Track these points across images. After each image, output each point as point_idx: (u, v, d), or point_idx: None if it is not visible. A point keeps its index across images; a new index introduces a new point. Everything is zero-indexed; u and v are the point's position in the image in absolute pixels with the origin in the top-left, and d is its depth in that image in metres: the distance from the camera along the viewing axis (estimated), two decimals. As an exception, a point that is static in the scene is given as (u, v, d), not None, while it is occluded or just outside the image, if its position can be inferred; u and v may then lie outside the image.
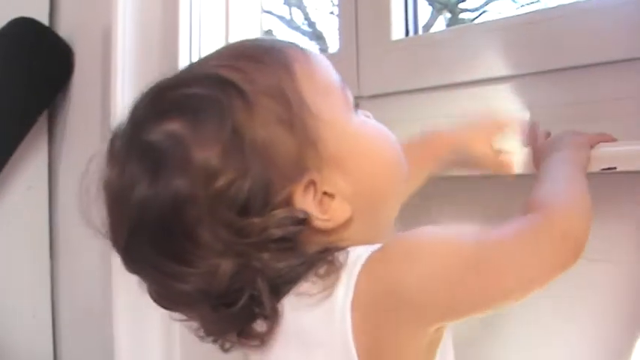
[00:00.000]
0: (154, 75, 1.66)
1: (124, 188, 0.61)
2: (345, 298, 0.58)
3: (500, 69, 0.98)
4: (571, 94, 0.90)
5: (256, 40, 0.78)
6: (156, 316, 1.62)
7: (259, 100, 0.61)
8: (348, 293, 0.58)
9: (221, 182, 0.59)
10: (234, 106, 0.61)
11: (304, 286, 0.61)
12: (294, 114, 0.62)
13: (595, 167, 0.74)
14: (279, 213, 0.60)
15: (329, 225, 0.62)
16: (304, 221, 0.61)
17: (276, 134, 0.61)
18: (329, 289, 0.59)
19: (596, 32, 0.87)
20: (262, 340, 0.63)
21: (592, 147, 0.76)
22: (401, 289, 0.57)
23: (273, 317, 0.62)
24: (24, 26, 1.88)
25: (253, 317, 0.63)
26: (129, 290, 1.62)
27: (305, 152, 0.62)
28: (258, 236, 0.59)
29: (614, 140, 0.78)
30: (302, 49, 0.68)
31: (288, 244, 0.60)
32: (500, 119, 0.86)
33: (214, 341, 0.68)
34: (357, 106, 0.70)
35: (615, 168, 0.74)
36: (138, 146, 0.62)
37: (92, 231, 0.65)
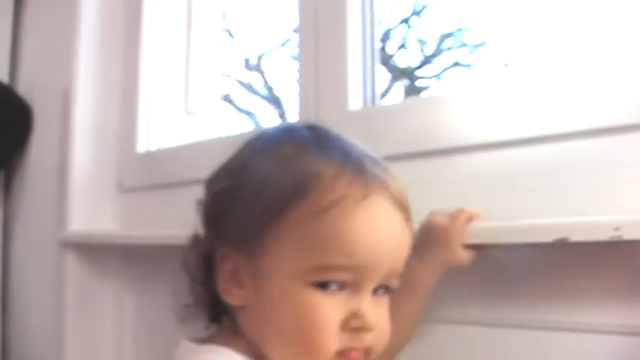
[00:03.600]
0: (112, 137, 1.67)
1: None
2: None
3: (456, 139, 1.00)
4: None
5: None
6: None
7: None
8: None
9: None
10: None
11: None
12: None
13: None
14: None
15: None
16: None
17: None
18: None
19: (561, 101, 0.90)
20: None
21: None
22: None
23: None
24: (-17, 84, 1.88)
25: None
26: (82, 349, 1.59)
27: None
28: None
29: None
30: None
31: None
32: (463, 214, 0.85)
33: None
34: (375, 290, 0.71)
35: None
36: None
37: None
